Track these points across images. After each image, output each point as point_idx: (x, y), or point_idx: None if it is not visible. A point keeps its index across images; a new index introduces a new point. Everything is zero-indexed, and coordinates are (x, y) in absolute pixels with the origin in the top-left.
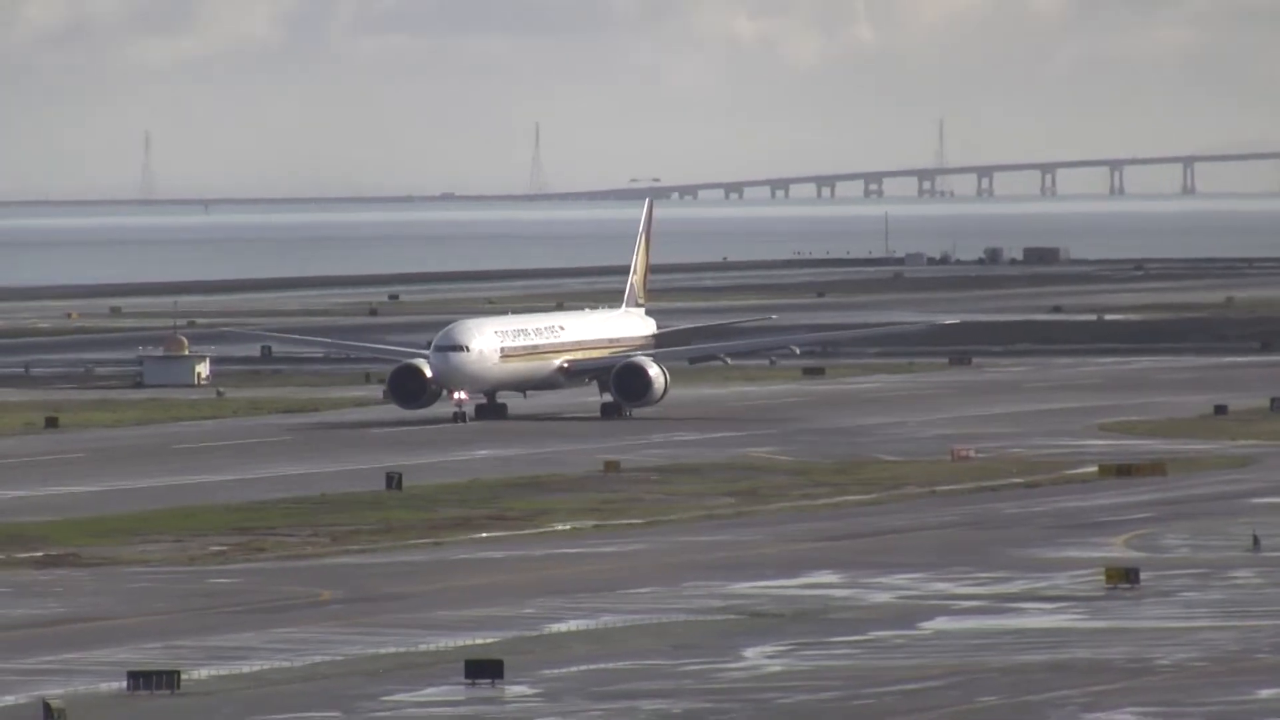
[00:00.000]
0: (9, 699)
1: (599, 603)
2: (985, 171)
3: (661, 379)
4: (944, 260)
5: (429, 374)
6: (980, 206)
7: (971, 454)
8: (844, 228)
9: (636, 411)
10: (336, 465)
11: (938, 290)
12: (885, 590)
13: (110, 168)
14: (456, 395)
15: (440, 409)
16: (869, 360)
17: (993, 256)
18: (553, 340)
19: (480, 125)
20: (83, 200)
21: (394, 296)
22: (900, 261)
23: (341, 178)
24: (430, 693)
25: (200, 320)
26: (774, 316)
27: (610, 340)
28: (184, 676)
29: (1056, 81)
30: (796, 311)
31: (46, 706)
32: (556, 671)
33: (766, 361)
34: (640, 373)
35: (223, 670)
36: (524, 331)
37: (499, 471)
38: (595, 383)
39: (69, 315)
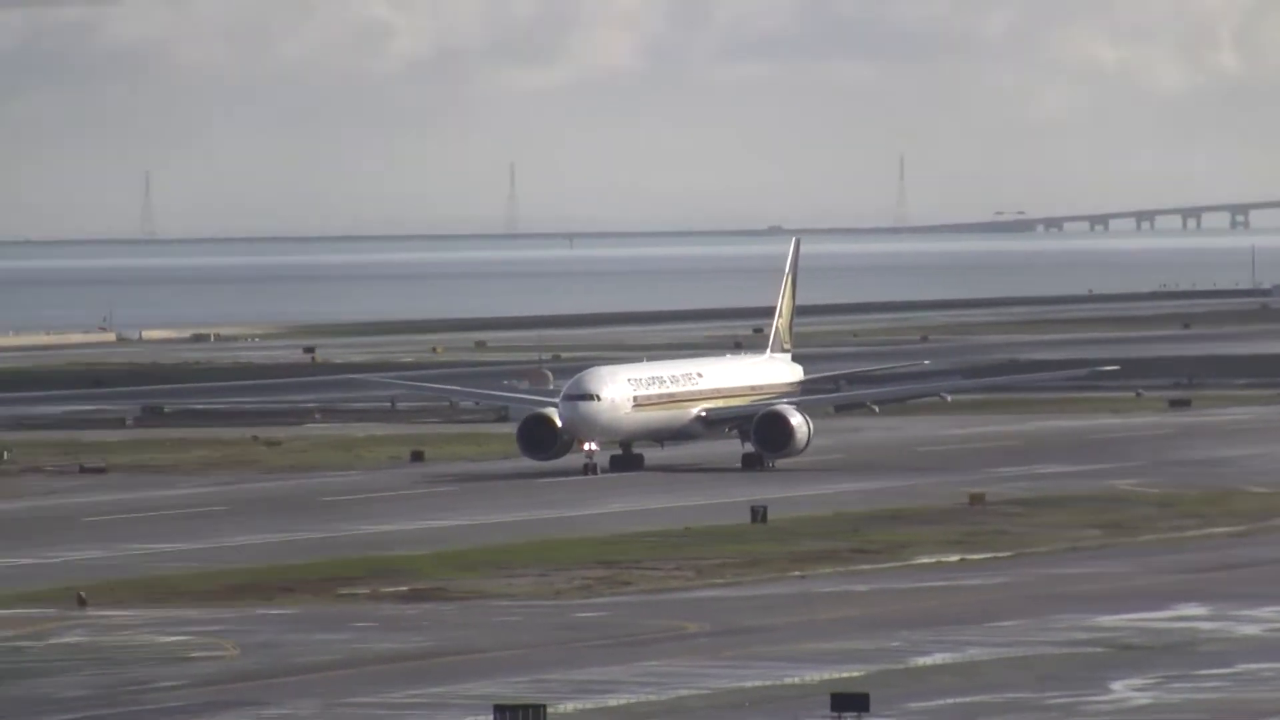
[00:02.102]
0: None
1: (964, 635)
2: None
3: (805, 428)
4: None
5: (559, 423)
6: None
7: None
8: (1209, 259)
9: (780, 463)
10: (700, 499)
11: None
12: (1254, 623)
13: (473, 200)
14: (587, 446)
15: (571, 460)
16: (1236, 391)
17: None
18: (690, 388)
19: (843, 155)
20: (446, 234)
21: (758, 330)
22: (1266, 293)
23: (706, 208)
24: None
25: (565, 354)
26: (927, 361)
27: (752, 388)
28: (550, 710)
29: None
30: (1161, 344)
31: None
32: (923, 705)
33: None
34: (782, 422)
35: (588, 704)
36: (659, 379)
37: (862, 504)
38: (737, 432)
39: (434, 350)
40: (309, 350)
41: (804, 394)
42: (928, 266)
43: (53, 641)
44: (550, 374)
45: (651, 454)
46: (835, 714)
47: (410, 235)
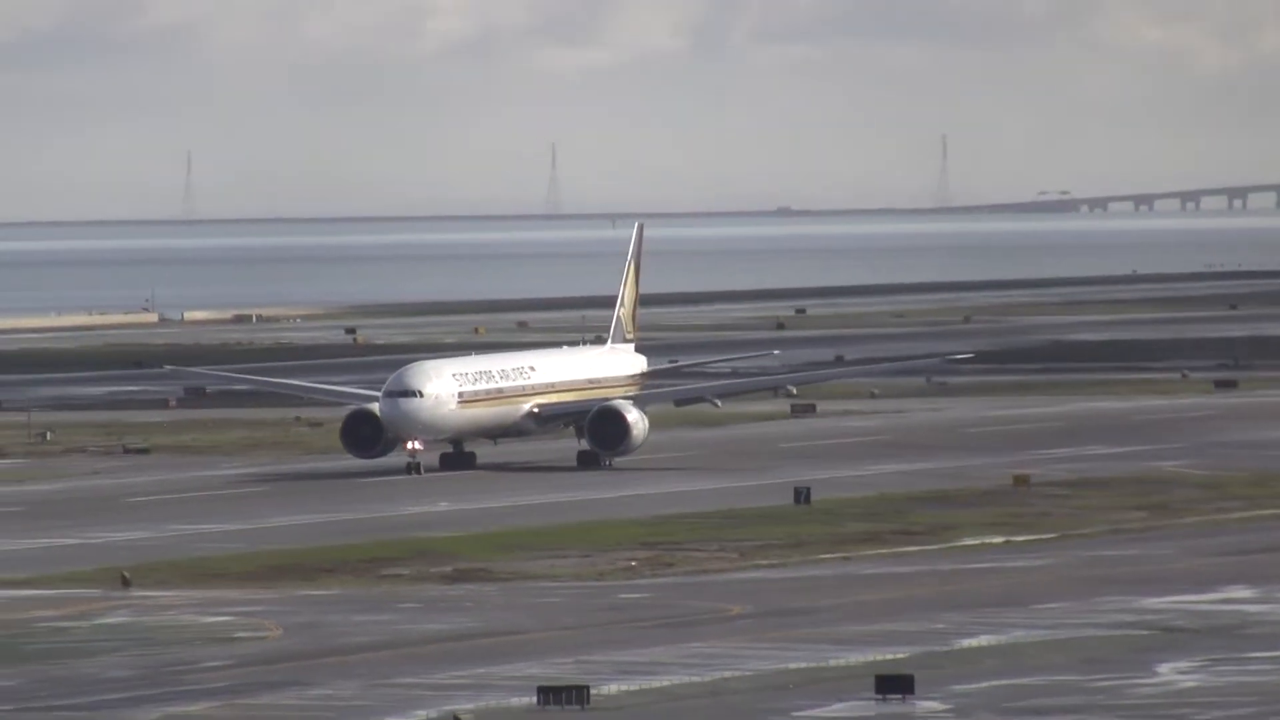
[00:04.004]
0: (420, 713)
1: (1009, 617)
2: None
3: (641, 424)
4: None
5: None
6: None
7: None
8: (1256, 239)
9: (616, 461)
10: (743, 480)
11: None
12: None
13: (514, 181)
14: (410, 444)
15: (396, 459)
16: None
17: None
18: (521, 383)
19: (887, 136)
20: (488, 215)
21: (801, 311)
22: None
23: (755, 190)
24: (839, 708)
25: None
26: (776, 351)
27: (590, 381)
28: (594, 691)
29: None
30: (1208, 324)
31: None
32: (967, 687)
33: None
34: (617, 418)
35: (633, 685)
36: (487, 374)
37: (905, 485)
38: (573, 429)
39: (476, 330)
40: (350, 331)
41: (647, 387)
42: (971, 247)
43: (97, 622)
44: None
45: (485, 452)
46: (879, 696)
47: (452, 216)
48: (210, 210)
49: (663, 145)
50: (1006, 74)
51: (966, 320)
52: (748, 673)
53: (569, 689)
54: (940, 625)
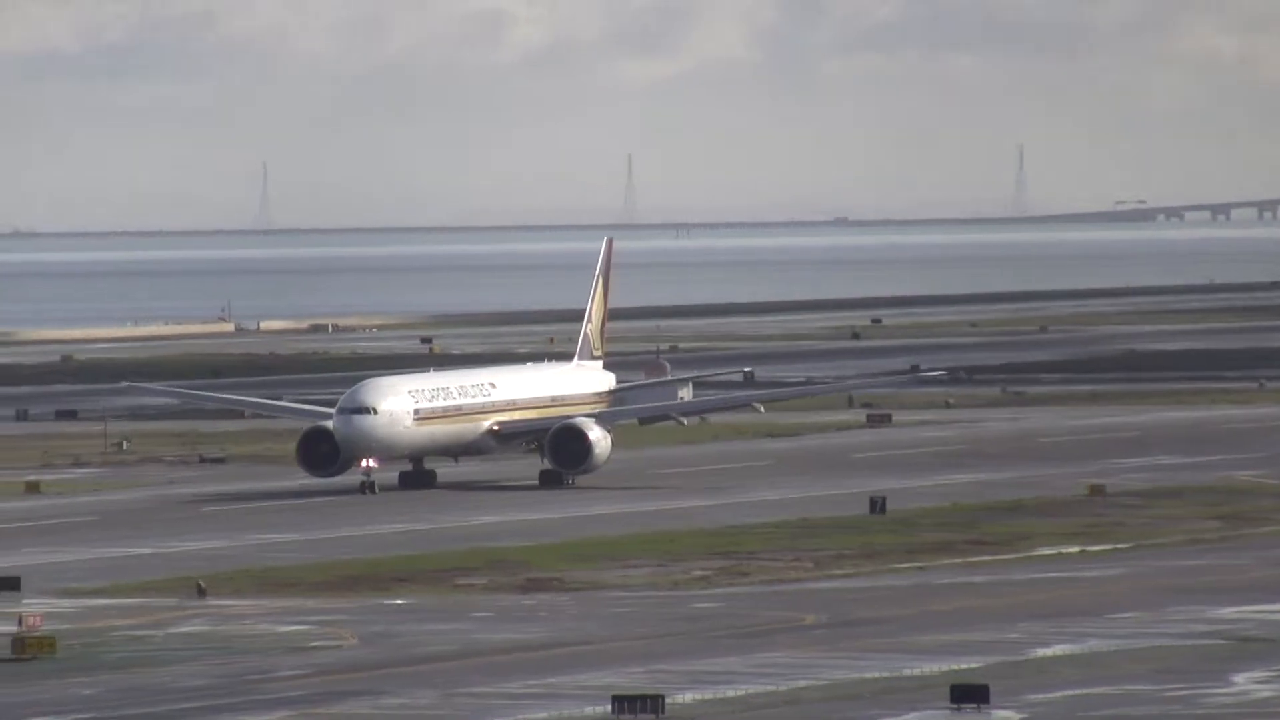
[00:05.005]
0: None
1: (1083, 627)
2: None
3: (605, 442)
4: None
5: None
6: None
7: None
8: None
9: (579, 480)
10: (819, 490)
11: None
12: None
13: (590, 190)
14: (365, 463)
15: (352, 478)
16: None
17: None
18: (480, 400)
19: (960, 147)
20: (564, 225)
21: (877, 320)
22: None
23: (818, 200)
24: (914, 717)
25: (682, 345)
26: (749, 369)
27: (553, 399)
28: (668, 700)
29: None
30: None
31: None
32: (1042, 696)
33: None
34: (579, 436)
35: (707, 695)
36: (445, 390)
37: (980, 495)
38: (536, 446)
39: (550, 340)
40: (426, 340)
41: (612, 405)
42: (1047, 257)
43: (173, 631)
44: (668, 365)
45: (446, 470)
46: (955, 705)
47: (527, 226)
48: (286, 220)
49: (733, 155)
50: (1082, 84)
51: (1043, 329)
52: (822, 682)
53: (643, 698)
54: (1015, 635)
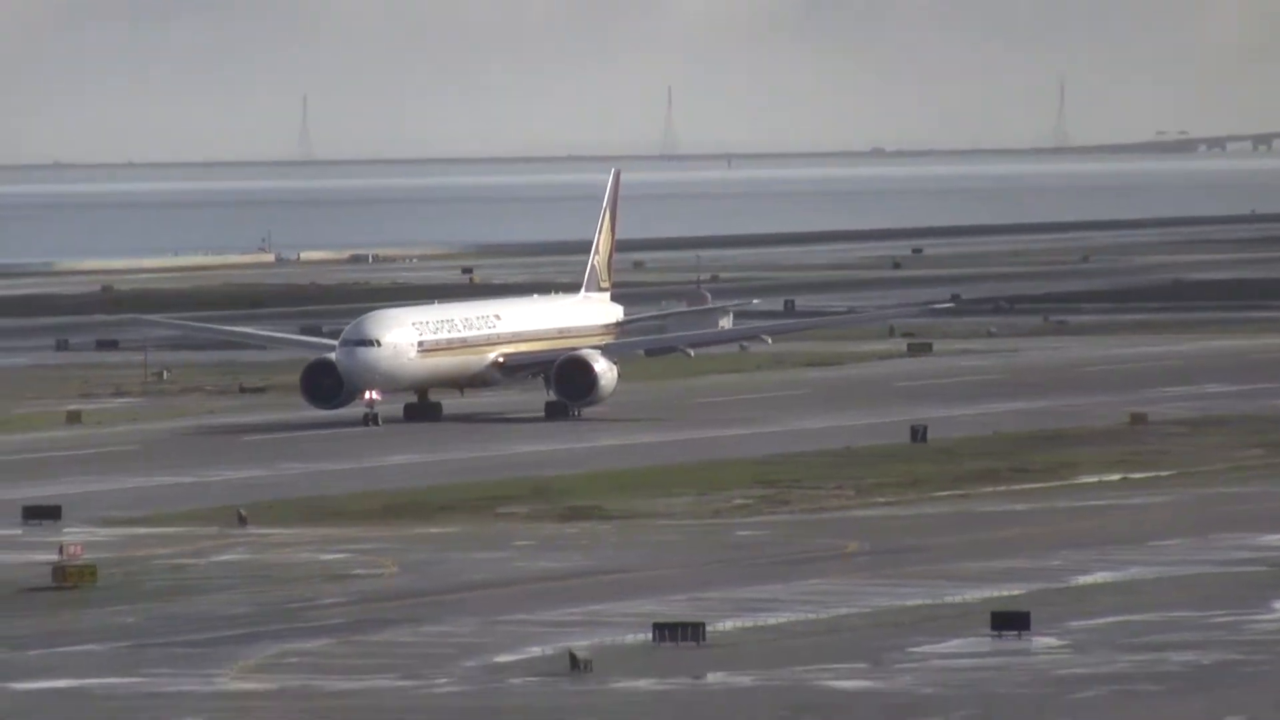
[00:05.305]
0: (536, 650)
1: (1125, 555)
2: None
3: (610, 374)
4: None
5: None
6: None
7: None
8: None
9: (585, 411)
10: (860, 419)
11: None
12: None
13: (633, 123)
14: (368, 395)
15: (355, 410)
16: None
17: None
18: (485, 332)
19: (1003, 79)
20: (605, 155)
21: (918, 250)
22: None
23: (854, 134)
24: (956, 644)
25: (723, 275)
26: (756, 301)
27: (559, 331)
28: (709, 628)
29: None
30: None
31: (573, 657)
32: (1083, 624)
33: (737, 348)
34: (584, 367)
35: (748, 622)
36: (449, 322)
37: (1022, 424)
38: (542, 379)
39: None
40: (467, 271)
41: (621, 336)
42: (1089, 187)
43: (214, 559)
44: (709, 295)
45: (451, 402)
46: (996, 632)
47: (568, 157)
48: (327, 151)
49: (776, 87)
50: (1124, 15)
51: (1085, 259)
52: (864, 610)
53: (685, 626)
54: (1057, 563)
